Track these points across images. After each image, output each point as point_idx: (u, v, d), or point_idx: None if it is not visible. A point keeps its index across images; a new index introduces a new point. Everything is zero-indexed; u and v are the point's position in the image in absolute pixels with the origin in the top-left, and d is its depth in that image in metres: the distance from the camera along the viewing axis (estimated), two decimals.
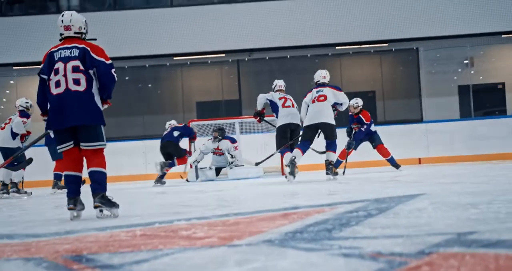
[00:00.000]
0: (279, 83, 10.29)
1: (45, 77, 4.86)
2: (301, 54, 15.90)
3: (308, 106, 9.17)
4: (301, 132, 9.46)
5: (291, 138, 9.54)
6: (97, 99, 4.82)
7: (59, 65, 4.75)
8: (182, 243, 2.86)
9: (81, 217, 4.75)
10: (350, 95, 15.87)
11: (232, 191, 7.94)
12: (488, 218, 3.18)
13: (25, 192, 9.88)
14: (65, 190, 9.10)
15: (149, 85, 16.21)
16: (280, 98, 9.78)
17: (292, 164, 8.72)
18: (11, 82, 16.28)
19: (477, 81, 16.37)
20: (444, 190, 5.35)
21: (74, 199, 4.70)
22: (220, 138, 12.14)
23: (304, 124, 9.19)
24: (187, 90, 16.11)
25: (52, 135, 5.26)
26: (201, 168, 12.02)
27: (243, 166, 12.09)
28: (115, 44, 15.14)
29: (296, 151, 8.91)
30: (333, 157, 9.12)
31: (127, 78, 15.79)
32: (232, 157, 12.07)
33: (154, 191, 9.24)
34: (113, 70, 4.85)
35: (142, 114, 15.47)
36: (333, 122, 9.12)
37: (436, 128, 13.99)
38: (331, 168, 8.97)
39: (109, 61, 4.85)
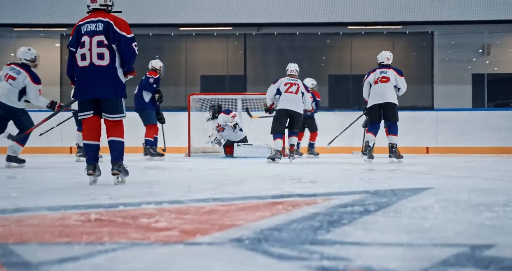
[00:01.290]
0: (291, 67, 9.98)
1: (74, 49, 5.10)
2: (311, 32, 15.28)
3: (371, 86, 9.29)
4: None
5: (290, 124, 9.57)
6: (120, 73, 5.08)
7: (85, 39, 4.99)
8: (134, 236, 2.35)
9: (97, 182, 5.08)
10: (359, 78, 15.36)
11: (226, 170, 7.43)
12: (506, 225, 2.65)
13: (101, 156, 9.55)
14: (160, 157, 10.32)
15: (156, 56, 15.59)
16: (285, 84, 9.64)
17: (368, 148, 9.08)
18: (22, 46, 15.73)
19: (492, 71, 15.73)
20: (453, 185, 4.81)
21: (93, 165, 5.04)
22: (216, 115, 11.74)
23: (368, 106, 9.36)
24: (191, 63, 15.52)
25: None
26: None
27: (251, 144, 11.71)
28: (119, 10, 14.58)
29: (369, 136, 9.24)
30: (396, 139, 9.13)
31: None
32: (235, 126, 11.67)
33: (144, 165, 8.74)
34: (134, 44, 5.05)
35: None
36: (397, 103, 9.20)
37: (446, 117, 13.41)
38: (394, 151, 9.03)
39: (131, 35, 5.05)
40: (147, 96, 10.50)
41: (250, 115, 11.96)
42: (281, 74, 16.47)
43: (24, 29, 15.28)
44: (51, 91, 15.15)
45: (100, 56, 4.97)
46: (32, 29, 15.30)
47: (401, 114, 12.69)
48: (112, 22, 5.01)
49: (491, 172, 6.96)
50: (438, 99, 15.18)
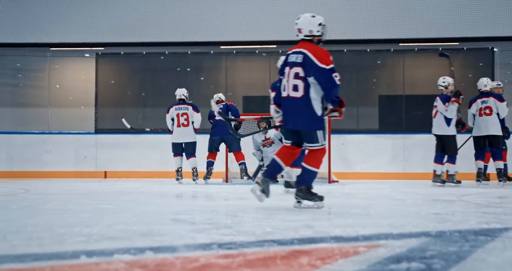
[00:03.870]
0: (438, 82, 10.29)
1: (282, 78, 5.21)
2: (359, 49, 14.18)
3: (474, 116, 9.92)
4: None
5: (442, 146, 9.69)
6: (316, 104, 5.01)
7: (287, 69, 5.09)
8: None
9: (262, 200, 5.04)
10: (412, 99, 14.26)
11: (250, 201, 6.44)
12: None
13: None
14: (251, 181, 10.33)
15: (192, 74, 14.77)
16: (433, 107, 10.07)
17: (480, 173, 9.78)
18: (56, 66, 15.15)
19: None
20: None
21: (266, 181, 5.00)
22: (268, 127, 10.69)
23: (474, 135, 9.93)
24: (231, 82, 14.58)
25: None
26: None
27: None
28: (157, 29, 13.88)
29: (479, 163, 9.81)
30: (501, 164, 9.72)
31: (167, 66, 14.55)
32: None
33: (177, 192, 7.83)
34: (334, 75, 4.91)
35: None
36: (500, 133, 9.77)
37: (509, 141, 12.13)
38: (502, 175, 9.69)
39: (330, 66, 4.93)
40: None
41: None
42: None
43: (59, 48, 14.66)
44: (86, 113, 14.53)
45: (295, 88, 4.99)
46: (68, 48, 14.67)
47: (459, 137, 11.64)
48: (310, 54, 4.97)
49: None
50: None
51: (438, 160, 9.70)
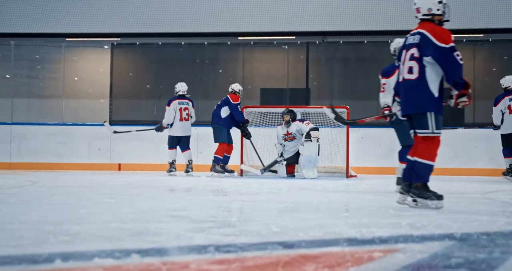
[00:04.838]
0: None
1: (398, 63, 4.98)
2: (380, 40, 13.71)
3: (503, 113, 9.82)
4: None
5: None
6: (432, 86, 4.64)
7: (403, 52, 4.82)
8: None
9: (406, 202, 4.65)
10: None
11: (272, 195, 6.15)
12: None
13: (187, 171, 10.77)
14: (225, 174, 10.51)
15: (209, 66, 14.47)
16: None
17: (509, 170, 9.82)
18: (74, 58, 14.95)
19: None
20: None
21: (405, 186, 4.69)
22: (291, 121, 10.37)
23: (503, 132, 9.86)
24: (249, 74, 14.26)
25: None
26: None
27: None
28: (173, 19, 13.60)
29: (509, 159, 9.83)
30: None
31: (183, 57, 14.27)
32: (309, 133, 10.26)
33: (175, 185, 7.54)
34: (455, 54, 4.55)
35: (196, 99, 13.61)
36: None
37: None
38: None
39: (450, 45, 4.56)
40: (224, 114, 10.76)
41: None
42: (347, 86, 15.35)
43: (76, 39, 14.43)
44: (101, 105, 14.32)
45: (410, 70, 4.70)
46: (83, 39, 14.44)
47: (482, 132, 11.28)
48: (427, 33, 4.62)
49: None
50: None
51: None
